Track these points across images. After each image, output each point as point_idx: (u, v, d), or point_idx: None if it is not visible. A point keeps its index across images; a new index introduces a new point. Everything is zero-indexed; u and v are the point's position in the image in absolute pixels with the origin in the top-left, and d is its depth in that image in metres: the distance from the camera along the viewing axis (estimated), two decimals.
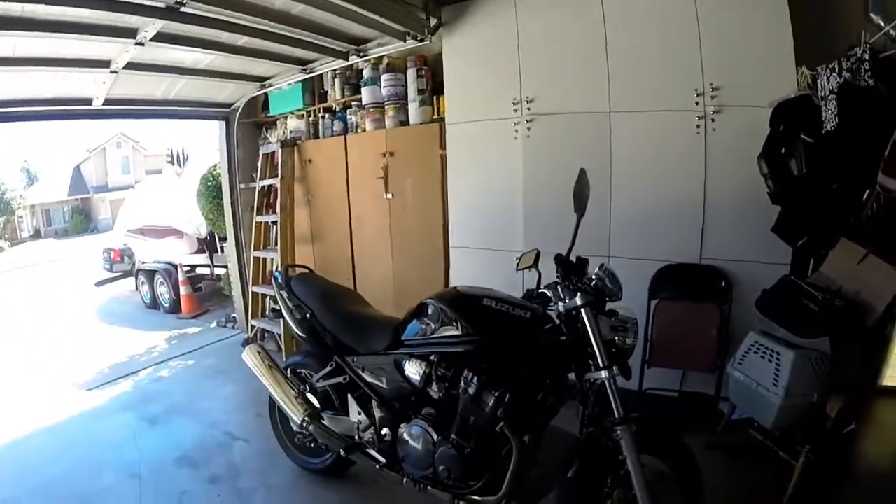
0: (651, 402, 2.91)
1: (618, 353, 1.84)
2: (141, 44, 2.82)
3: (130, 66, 3.16)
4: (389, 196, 3.84)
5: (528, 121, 3.19)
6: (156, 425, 3.35)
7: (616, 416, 1.77)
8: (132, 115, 4.16)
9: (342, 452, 2.25)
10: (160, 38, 2.83)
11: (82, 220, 25.77)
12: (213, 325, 5.62)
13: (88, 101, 3.65)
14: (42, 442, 3.22)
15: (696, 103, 2.79)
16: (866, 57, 2.21)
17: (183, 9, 2.51)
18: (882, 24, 2.46)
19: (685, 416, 2.88)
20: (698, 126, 2.81)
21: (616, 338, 1.85)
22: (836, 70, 2.32)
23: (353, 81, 4.12)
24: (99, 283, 8.91)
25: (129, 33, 2.75)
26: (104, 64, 3.12)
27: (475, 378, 1.85)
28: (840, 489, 2.31)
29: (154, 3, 2.45)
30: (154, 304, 6.84)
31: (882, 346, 2.53)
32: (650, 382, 2.91)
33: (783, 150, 2.49)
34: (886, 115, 2.20)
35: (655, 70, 2.88)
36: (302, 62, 3.85)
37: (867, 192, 2.29)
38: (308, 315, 2.37)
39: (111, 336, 5.76)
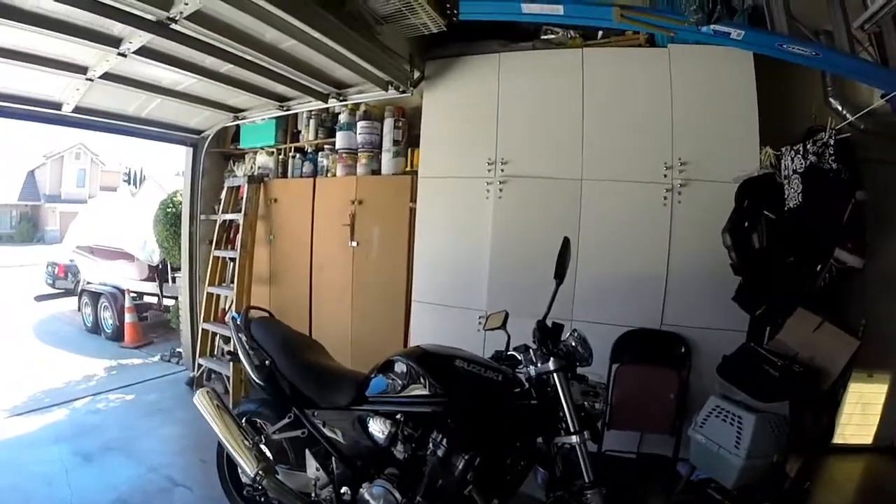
0: (610, 463, 2.92)
1: (587, 418, 1.84)
2: (123, 55, 2.74)
3: (108, 76, 3.06)
4: (354, 244, 3.79)
5: (500, 182, 3.24)
6: (90, 462, 3.11)
7: (586, 479, 1.77)
8: (100, 128, 3.98)
9: None
10: (144, 52, 2.76)
11: (29, 227, 24.38)
12: (157, 358, 5.35)
13: (58, 106, 3.51)
14: None
15: (665, 176, 2.93)
16: (831, 142, 2.42)
17: (173, 26, 2.45)
18: (840, 107, 2.69)
19: (644, 477, 2.90)
20: (665, 198, 2.94)
21: (586, 402, 1.86)
22: (802, 152, 2.51)
23: (328, 124, 4.11)
24: (39, 298, 8.39)
25: (113, 42, 2.67)
26: (81, 70, 3.01)
27: (444, 440, 1.81)
28: None
29: (145, 15, 2.38)
30: (95, 328, 6.46)
31: (834, 408, 2.67)
32: (609, 444, 2.92)
33: (746, 224, 2.64)
34: (845, 195, 2.41)
35: (628, 142, 3.02)
36: (280, 98, 3.83)
37: (821, 264, 2.46)
38: (267, 362, 2.26)
39: (47, 358, 5.38)
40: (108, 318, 6.27)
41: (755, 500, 2.37)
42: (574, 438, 1.77)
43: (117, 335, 6.04)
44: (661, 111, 2.94)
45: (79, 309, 6.98)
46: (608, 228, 3.06)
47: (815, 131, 2.57)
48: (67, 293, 8.03)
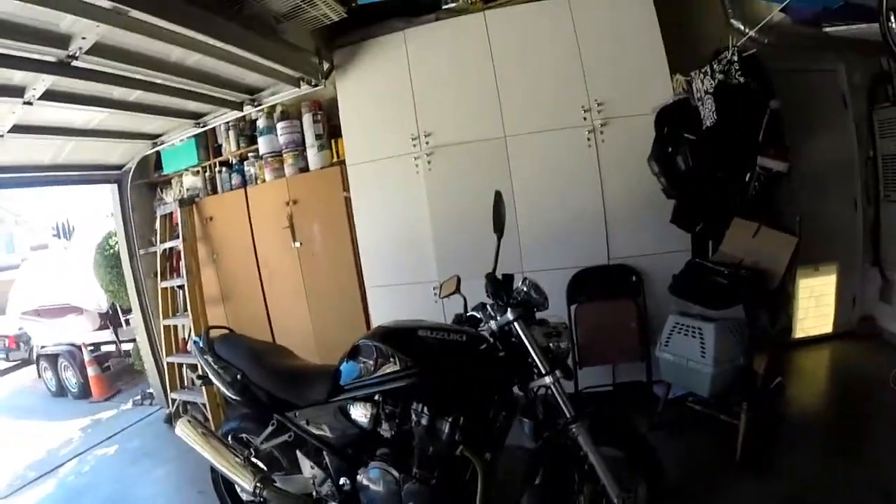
0: (589, 399, 3.04)
1: (555, 358, 1.92)
2: (29, 103, 2.60)
3: (17, 128, 2.90)
4: (298, 244, 3.80)
5: (427, 154, 3.29)
6: None
7: (568, 415, 1.86)
8: (18, 184, 3.84)
9: None
10: (49, 95, 2.61)
11: None
12: (129, 405, 5.17)
13: None
14: None
15: (585, 119, 3.02)
16: (735, 58, 2.54)
17: (75, 63, 2.34)
18: (741, 26, 2.81)
19: (625, 405, 3.04)
20: (589, 140, 3.04)
21: (551, 343, 1.94)
22: (710, 73, 2.63)
23: (247, 132, 4.07)
24: None
25: (16, 92, 2.53)
26: None
27: (425, 408, 1.86)
28: (781, 436, 2.58)
29: (44, 57, 2.26)
30: (61, 390, 6.19)
31: (788, 304, 2.85)
32: (585, 382, 3.04)
33: (670, 150, 2.76)
34: (759, 106, 2.52)
35: (543, 93, 3.09)
36: (195, 116, 3.72)
37: (748, 174, 2.59)
38: (238, 376, 2.25)
39: (20, 433, 5.11)
40: (70, 377, 6.02)
41: (732, 403, 2.51)
42: (547, 379, 1.85)
43: (84, 392, 5.82)
44: (570, 58, 3.02)
45: (39, 375, 6.62)
46: (540, 178, 3.14)
47: (721, 53, 2.68)
48: (24, 363, 7.65)
